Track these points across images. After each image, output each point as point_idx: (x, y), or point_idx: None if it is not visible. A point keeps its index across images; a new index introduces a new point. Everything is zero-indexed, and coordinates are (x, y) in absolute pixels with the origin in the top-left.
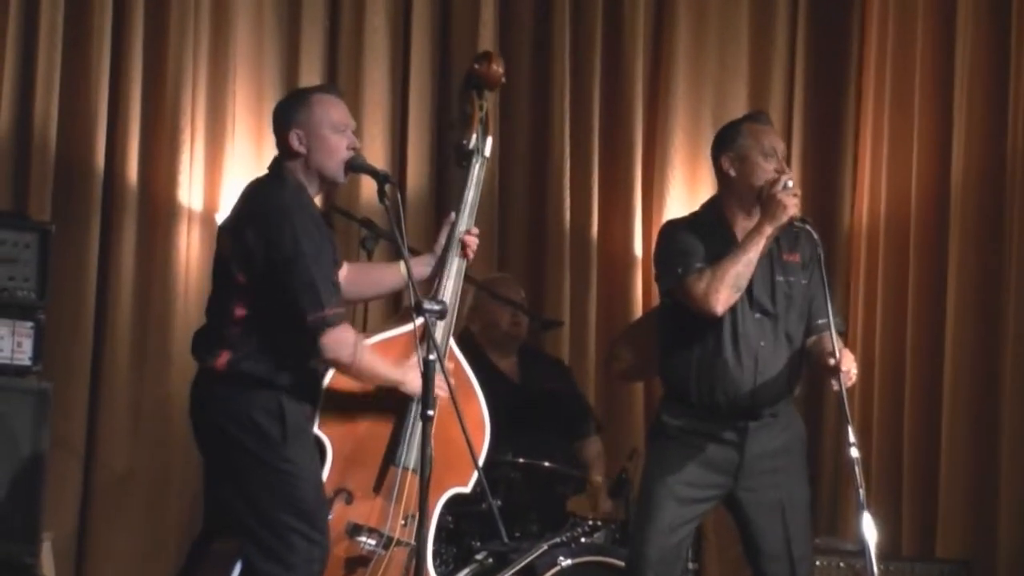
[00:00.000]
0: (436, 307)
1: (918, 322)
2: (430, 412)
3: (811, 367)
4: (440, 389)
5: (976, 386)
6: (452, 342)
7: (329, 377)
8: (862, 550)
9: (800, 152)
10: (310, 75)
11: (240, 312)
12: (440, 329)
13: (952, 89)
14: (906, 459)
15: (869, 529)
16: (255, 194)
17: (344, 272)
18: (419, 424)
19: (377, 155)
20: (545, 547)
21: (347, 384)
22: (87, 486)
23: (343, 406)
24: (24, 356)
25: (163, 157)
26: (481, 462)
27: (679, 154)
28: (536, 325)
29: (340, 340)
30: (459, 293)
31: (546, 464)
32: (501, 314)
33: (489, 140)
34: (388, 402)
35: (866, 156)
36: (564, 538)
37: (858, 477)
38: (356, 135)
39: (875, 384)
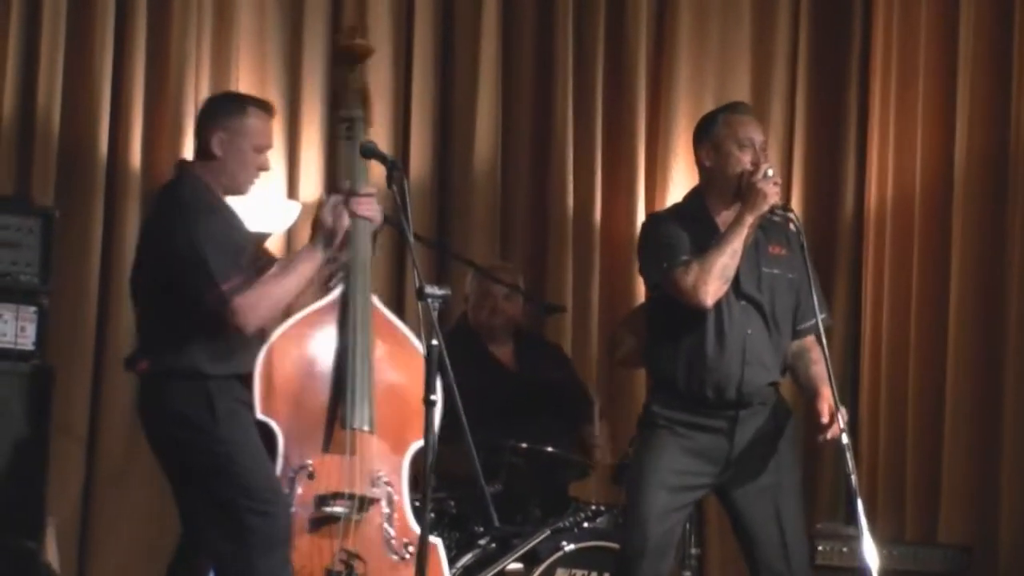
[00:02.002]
0: (439, 292)
1: (922, 308)
2: (432, 398)
3: (795, 381)
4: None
5: (979, 371)
6: (376, 301)
7: (261, 359)
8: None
9: (803, 137)
10: (313, 62)
11: (155, 314)
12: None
13: (955, 73)
14: (910, 444)
15: (862, 518)
16: (156, 199)
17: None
18: (360, 381)
19: (380, 141)
20: (548, 532)
21: (280, 361)
22: (90, 472)
23: (281, 385)
24: (27, 341)
25: (166, 142)
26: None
27: (682, 139)
28: (539, 310)
29: (246, 306)
30: (369, 252)
31: (548, 449)
32: (482, 303)
33: (362, 110)
34: (324, 368)
35: (872, 141)
36: (567, 523)
37: (849, 463)
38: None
39: (882, 370)
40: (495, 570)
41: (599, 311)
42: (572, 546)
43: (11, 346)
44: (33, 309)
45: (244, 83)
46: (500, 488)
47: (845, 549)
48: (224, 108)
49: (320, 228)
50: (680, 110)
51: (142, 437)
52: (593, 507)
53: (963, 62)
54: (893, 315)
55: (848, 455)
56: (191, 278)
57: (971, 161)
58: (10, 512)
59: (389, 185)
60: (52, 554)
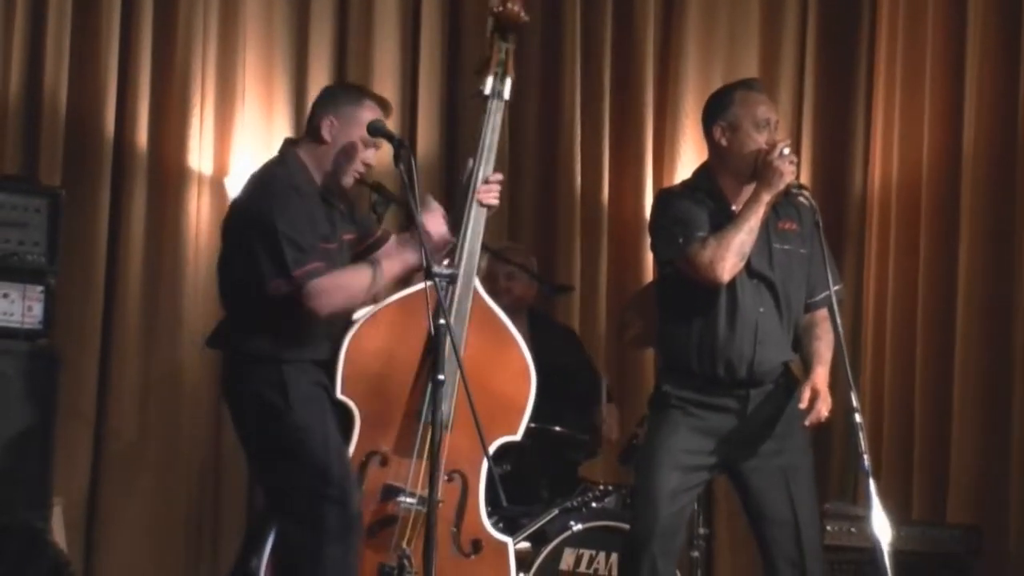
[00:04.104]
0: (446, 272)
1: (929, 288)
2: (440, 377)
3: (799, 356)
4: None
5: (987, 351)
6: (481, 291)
7: (348, 339)
8: (875, 540)
9: (811, 119)
10: (320, 42)
11: (234, 296)
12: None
13: (964, 56)
14: (917, 424)
15: (874, 496)
16: (253, 177)
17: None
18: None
19: (387, 121)
20: (556, 512)
21: (369, 344)
22: (97, 452)
23: (366, 367)
24: (34, 320)
25: (173, 122)
26: (530, 408)
27: (690, 119)
28: (546, 290)
29: (317, 293)
30: (480, 239)
31: (557, 429)
32: (492, 281)
33: (508, 82)
34: (410, 356)
35: (878, 124)
36: (575, 503)
37: (862, 443)
38: None
39: (887, 349)
40: None
41: (607, 291)
42: (580, 526)
43: (18, 326)
44: (40, 289)
45: (251, 63)
46: (509, 468)
47: (854, 529)
48: (342, 95)
49: (427, 239)
50: (688, 89)
51: (150, 417)
52: (601, 487)
53: (971, 44)
54: (899, 295)
55: (861, 435)
56: (264, 260)
57: (979, 143)
58: (17, 492)
59: (396, 164)
60: (59, 534)
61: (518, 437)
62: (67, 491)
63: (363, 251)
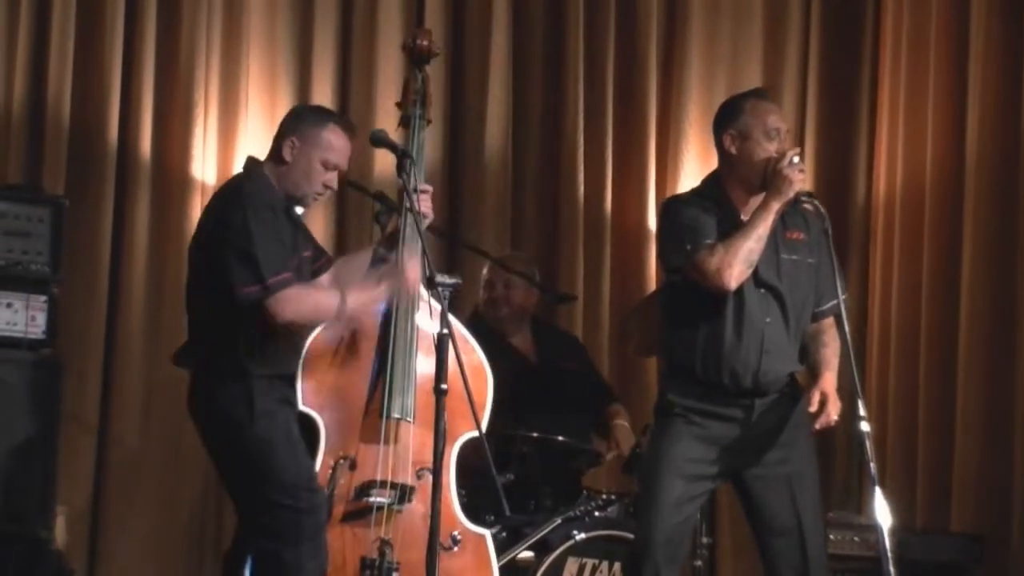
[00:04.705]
0: (450, 281)
1: (933, 295)
2: (444, 386)
3: (806, 364)
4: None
5: (991, 359)
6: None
7: (305, 352)
8: (876, 524)
9: (815, 128)
10: (324, 51)
11: (203, 311)
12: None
13: (967, 64)
14: (921, 432)
15: (881, 503)
16: (218, 192)
17: (327, 275)
18: (400, 372)
19: (390, 130)
20: (559, 521)
21: (323, 354)
22: (100, 460)
23: (323, 377)
24: (38, 330)
25: (177, 131)
26: (490, 403)
27: (693, 128)
28: (549, 299)
29: (287, 299)
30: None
31: (560, 438)
32: (484, 295)
33: (426, 106)
34: (364, 358)
35: (882, 132)
36: (578, 512)
37: (868, 451)
38: (369, 110)
39: (891, 357)
40: (506, 559)
41: (610, 300)
42: (583, 535)
43: (21, 335)
44: (43, 298)
45: (254, 71)
46: (512, 477)
47: (857, 538)
48: (305, 116)
49: (394, 279)
50: (692, 99)
51: (152, 425)
52: (604, 496)
53: (974, 52)
54: (903, 302)
55: (867, 443)
56: (237, 268)
57: (982, 151)
58: (21, 501)
59: (399, 175)
60: (63, 542)
61: (482, 431)
62: (70, 499)
63: (311, 273)
